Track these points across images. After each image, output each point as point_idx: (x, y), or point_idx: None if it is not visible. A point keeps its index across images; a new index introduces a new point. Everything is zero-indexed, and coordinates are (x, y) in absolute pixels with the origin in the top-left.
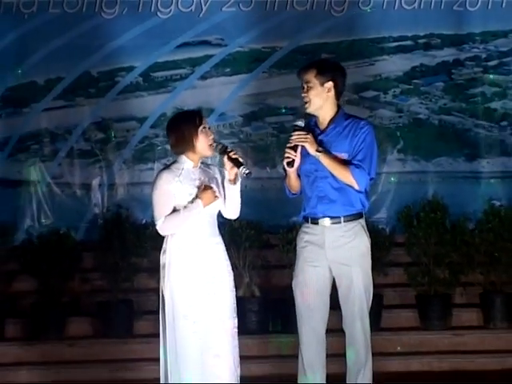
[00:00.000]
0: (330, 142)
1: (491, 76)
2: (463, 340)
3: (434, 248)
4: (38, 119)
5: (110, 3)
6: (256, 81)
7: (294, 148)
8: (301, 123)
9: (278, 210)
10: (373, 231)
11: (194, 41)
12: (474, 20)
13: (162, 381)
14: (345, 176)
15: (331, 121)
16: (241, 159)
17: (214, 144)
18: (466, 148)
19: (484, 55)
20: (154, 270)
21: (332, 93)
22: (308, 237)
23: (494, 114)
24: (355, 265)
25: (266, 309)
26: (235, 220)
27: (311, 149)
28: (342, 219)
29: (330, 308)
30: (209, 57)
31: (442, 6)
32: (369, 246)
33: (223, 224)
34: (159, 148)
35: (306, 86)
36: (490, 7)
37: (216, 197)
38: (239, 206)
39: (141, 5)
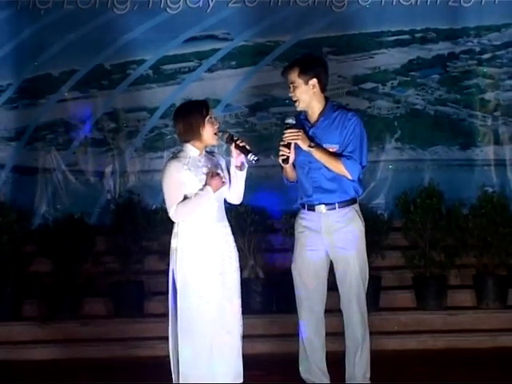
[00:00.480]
0: (320, 134)
1: (485, 69)
2: (457, 319)
3: (429, 232)
4: (54, 110)
5: None
6: (260, 73)
7: (288, 145)
8: (292, 121)
9: (282, 197)
10: (371, 216)
11: (202, 35)
12: (468, 15)
13: (171, 356)
14: (337, 168)
15: (320, 114)
16: (248, 147)
17: (220, 133)
18: (460, 137)
19: (478, 49)
20: (164, 252)
21: (317, 88)
22: (305, 223)
23: (488, 104)
24: (351, 248)
25: (269, 290)
26: (240, 206)
27: (304, 145)
28: (337, 205)
29: (329, 290)
30: (215, 50)
31: (438, 2)
32: (363, 229)
33: (229, 209)
34: (168, 137)
35: (291, 86)
36: (483, 3)
37: (224, 182)
38: (243, 191)
39: (151, 1)
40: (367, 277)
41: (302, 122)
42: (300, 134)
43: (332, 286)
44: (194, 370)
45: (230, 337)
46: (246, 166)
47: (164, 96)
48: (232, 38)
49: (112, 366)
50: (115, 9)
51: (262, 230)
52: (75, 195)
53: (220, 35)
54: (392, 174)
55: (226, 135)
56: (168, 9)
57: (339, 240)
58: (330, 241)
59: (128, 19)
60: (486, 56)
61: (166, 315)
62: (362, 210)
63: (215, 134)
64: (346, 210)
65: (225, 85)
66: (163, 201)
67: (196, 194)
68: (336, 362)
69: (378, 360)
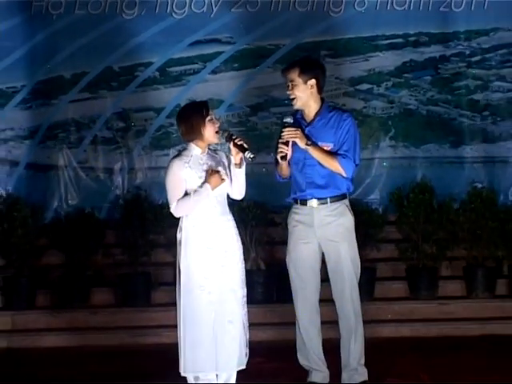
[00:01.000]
0: (316, 133)
1: (474, 70)
2: (448, 308)
3: (422, 226)
4: (65, 110)
5: (130, 5)
6: (261, 75)
7: (286, 143)
8: (290, 120)
9: (282, 192)
10: (367, 211)
11: (206, 39)
12: (458, 20)
13: (179, 342)
14: (333, 165)
15: (317, 113)
16: (245, 145)
17: (221, 132)
18: (451, 136)
19: (468, 52)
20: (170, 245)
21: (314, 89)
22: (298, 217)
23: (477, 104)
24: (342, 240)
25: (270, 280)
26: (242, 200)
27: (301, 143)
28: (329, 200)
29: (323, 281)
30: (219, 53)
31: (430, 7)
32: (353, 223)
33: (232, 204)
34: (174, 135)
35: (290, 85)
36: (473, 8)
37: (223, 180)
38: (244, 187)
39: (158, 6)
40: (359, 267)
41: (299, 120)
42: (298, 132)
43: (325, 276)
44: (197, 359)
45: (232, 326)
46: (245, 163)
47: (170, 97)
48: (234, 41)
49: (120, 353)
50: (124, 14)
51: (263, 223)
52: (86, 191)
53: (223, 39)
54: (386, 171)
55: (226, 134)
56: (174, 14)
57: (331, 233)
58: (323, 234)
59: (136, 24)
60: (475, 59)
61: (171, 305)
62: (358, 205)
63: (216, 132)
64: (337, 204)
65: (228, 86)
66: (167, 199)
67: (195, 190)
68: (332, 349)
69: (373, 347)
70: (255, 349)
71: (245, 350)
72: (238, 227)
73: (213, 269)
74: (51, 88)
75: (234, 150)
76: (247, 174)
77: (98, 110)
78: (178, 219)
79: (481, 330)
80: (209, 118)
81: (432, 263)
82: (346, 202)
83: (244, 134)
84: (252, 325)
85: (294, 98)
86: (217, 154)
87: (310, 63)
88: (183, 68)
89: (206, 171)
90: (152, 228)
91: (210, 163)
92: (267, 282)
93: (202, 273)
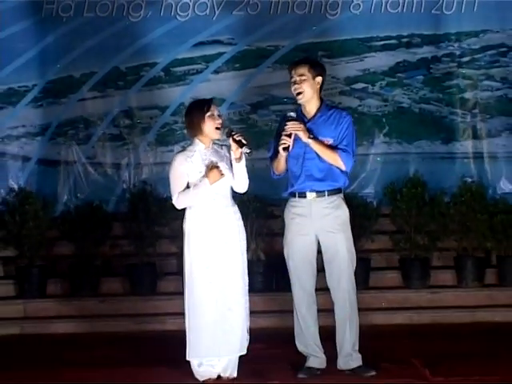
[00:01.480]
0: (317, 128)
1: (464, 70)
2: (440, 297)
3: (414, 218)
4: (75, 108)
5: (136, 7)
6: (261, 74)
7: (289, 135)
8: (293, 114)
9: (281, 186)
10: (362, 204)
11: (208, 40)
12: (449, 22)
13: (186, 330)
14: (334, 159)
15: (317, 110)
16: (243, 140)
17: (222, 128)
18: (442, 132)
19: (458, 52)
20: (175, 236)
21: (319, 86)
22: (295, 209)
23: (467, 103)
24: (339, 232)
25: (270, 270)
26: (243, 194)
27: (304, 136)
28: (326, 193)
29: (319, 270)
30: (221, 54)
31: (422, 10)
32: (348, 215)
33: (234, 198)
34: (178, 133)
35: (299, 79)
36: (463, 11)
37: (222, 175)
38: (246, 181)
39: (163, 9)
40: (355, 257)
41: (300, 116)
42: (301, 126)
43: (321, 266)
44: (201, 345)
45: (232, 314)
46: (244, 157)
47: (174, 95)
48: (236, 42)
49: (127, 339)
50: (130, 16)
51: (263, 216)
52: (94, 185)
53: (225, 40)
54: (380, 166)
55: (226, 130)
56: (178, 16)
57: (328, 225)
58: (320, 225)
59: (142, 26)
60: (465, 59)
61: (176, 293)
62: (354, 198)
63: (217, 128)
64: (334, 197)
65: (229, 85)
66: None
67: (195, 184)
68: (329, 336)
69: (368, 334)
70: (255, 335)
71: (246, 337)
72: None
73: (214, 259)
74: (61, 87)
75: (233, 145)
76: (249, 169)
77: (106, 108)
78: (183, 211)
79: (471, 317)
80: (209, 114)
81: (424, 254)
82: (342, 195)
83: (245, 130)
84: (252, 312)
85: (299, 93)
86: (221, 148)
87: (317, 62)
88: (187, 68)
89: (207, 166)
90: (157, 220)
91: (212, 158)
92: (267, 272)
93: (204, 263)
